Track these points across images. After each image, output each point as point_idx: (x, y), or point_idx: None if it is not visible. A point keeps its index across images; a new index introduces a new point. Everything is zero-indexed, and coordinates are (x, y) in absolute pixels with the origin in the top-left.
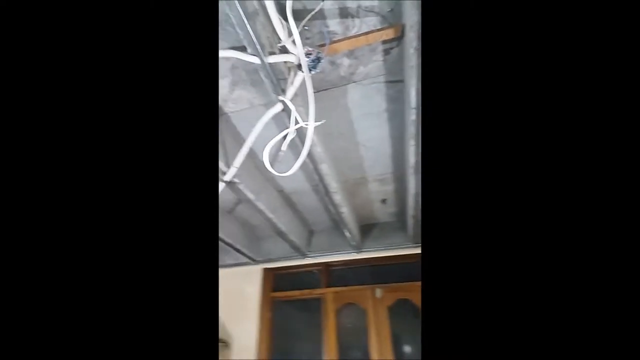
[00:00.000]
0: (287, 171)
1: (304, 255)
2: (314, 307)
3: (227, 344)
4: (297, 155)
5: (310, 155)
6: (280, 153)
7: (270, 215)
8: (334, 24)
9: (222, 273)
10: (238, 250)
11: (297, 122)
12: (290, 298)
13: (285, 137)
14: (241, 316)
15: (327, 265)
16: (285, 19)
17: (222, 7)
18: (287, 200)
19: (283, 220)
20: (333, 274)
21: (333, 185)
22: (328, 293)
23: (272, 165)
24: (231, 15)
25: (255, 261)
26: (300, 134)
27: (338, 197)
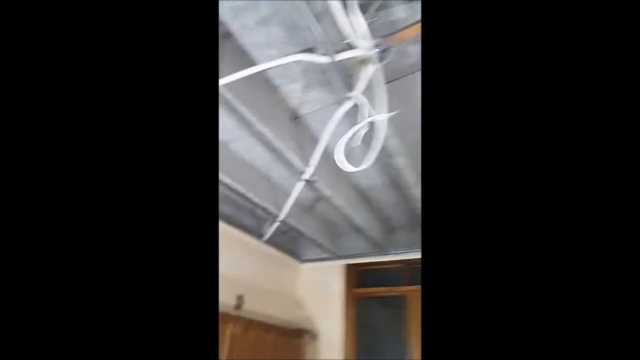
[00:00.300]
0: (361, 166)
1: (384, 252)
2: (397, 304)
3: (313, 336)
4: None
5: (385, 148)
6: (354, 148)
7: (349, 212)
8: (399, 12)
9: (305, 267)
10: (320, 246)
11: (369, 116)
12: (374, 294)
13: (357, 132)
14: (325, 310)
15: (408, 262)
16: (350, 14)
17: (288, 12)
18: (365, 196)
19: (362, 216)
20: (416, 272)
21: (410, 179)
22: (411, 291)
23: (348, 161)
24: (297, 18)
25: (336, 257)
26: (373, 128)
27: (416, 192)
